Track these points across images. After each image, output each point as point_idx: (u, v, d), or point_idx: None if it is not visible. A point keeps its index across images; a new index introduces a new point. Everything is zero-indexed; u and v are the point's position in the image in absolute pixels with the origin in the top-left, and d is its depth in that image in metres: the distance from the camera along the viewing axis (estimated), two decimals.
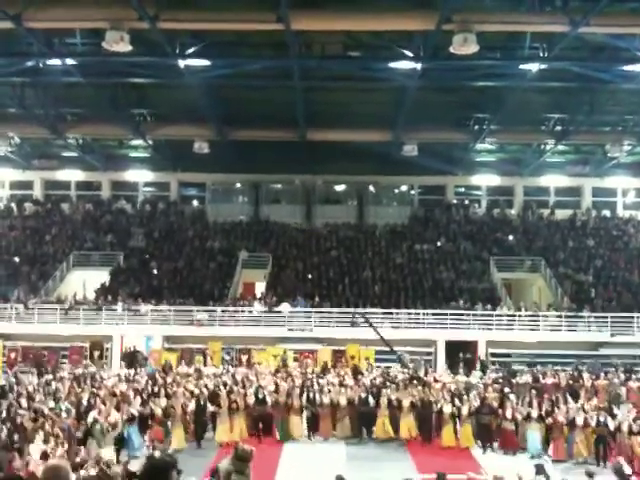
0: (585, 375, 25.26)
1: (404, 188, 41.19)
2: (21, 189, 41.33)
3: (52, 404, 18.89)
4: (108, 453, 15.08)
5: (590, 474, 13.73)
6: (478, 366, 27.03)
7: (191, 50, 23.89)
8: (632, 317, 30.36)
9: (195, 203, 41.89)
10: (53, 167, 40.12)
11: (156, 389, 21.24)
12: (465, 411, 20.03)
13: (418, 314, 30.66)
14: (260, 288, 34.94)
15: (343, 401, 20.88)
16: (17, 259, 35.53)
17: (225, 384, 21.88)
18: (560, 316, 30.94)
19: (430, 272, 34.97)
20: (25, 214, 39.73)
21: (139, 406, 19.22)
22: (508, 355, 29.65)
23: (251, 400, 20.46)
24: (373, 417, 20.94)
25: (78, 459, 12.53)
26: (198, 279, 34.32)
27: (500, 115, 29.77)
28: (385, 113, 30.55)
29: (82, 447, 15.67)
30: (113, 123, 31.94)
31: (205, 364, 27.18)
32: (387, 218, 39.27)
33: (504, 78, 26.47)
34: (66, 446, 15.05)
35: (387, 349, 27.76)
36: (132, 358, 29.10)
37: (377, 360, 28.28)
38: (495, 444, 20.05)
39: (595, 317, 30.65)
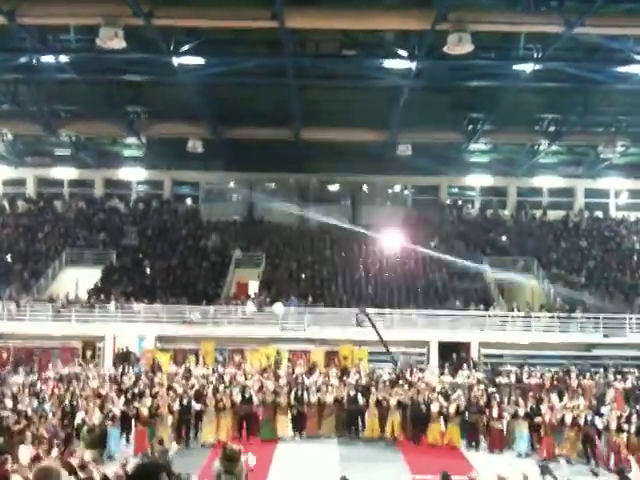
0: (572, 375, 25.35)
1: (398, 188, 41.17)
2: (14, 186, 41.10)
3: (36, 404, 18.72)
4: (93, 454, 14.96)
5: (595, 473, 13.81)
6: (465, 366, 27.03)
7: (185, 47, 23.84)
8: (624, 318, 30.45)
9: (189, 202, 41.77)
10: (46, 164, 39.94)
11: (141, 389, 21.13)
12: (452, 410, 20.13)
13: (411, 314, 30.64)
14: (253, 287, 34.87)
15: (330, 400, 20.97)
16: (9, 257, 35.31)
17: (211, 383, 21.86)
18: (553, 317, 30.99)
19: (423, 272, 34.94)
20: (17, 212, 39.51)
21: (122, 406, 19.09)
22: (501, 356, 29.66)
23: (237, 399, 20.43)
24: (362, 416, 21.14)
25: (76, 460, 12.41)
26: (191, 278, 34.20)
27: (494, 115, 29.82)
28: (379, 112, 30.53)
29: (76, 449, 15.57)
30: (107, 120, 31.81)
31: (197, 364, 27.10)
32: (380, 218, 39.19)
33: (498, 78, 26.50)
34: (61, 448, 14.92)
35: (381, 350, 27.79)
36: (125, 358, 29.00)
37: (370, 361, 28.28)
38: (483, 443, 20.20)
39: (587, 318, 30.73)
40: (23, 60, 25.88)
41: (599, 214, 40.45)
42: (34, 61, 26.14)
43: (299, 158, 35.74)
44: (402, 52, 23.80)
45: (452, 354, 29.07)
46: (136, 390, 21.10)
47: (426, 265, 35.33)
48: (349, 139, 33.08)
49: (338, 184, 40.67)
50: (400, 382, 22.55)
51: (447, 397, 20.80)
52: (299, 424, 21.07)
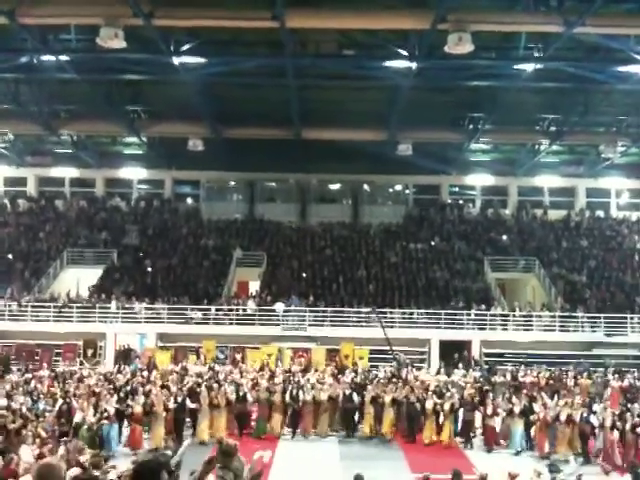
0: (570, 374, 25.40)
1: (399, 187, 41.18)
2: (15, 186, 41.16)
3: (30, 403, 18.64)
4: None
5: (607, 472, 13.90)
6: (460, 365, 27.14)
7: (186, 47, 23.84)
8: (625, 317, 30.47)
9: (189, 201, 41.81)
10: (47, 164, 39.97)
11: (134, 387, 21.10)
12: (446, 408, 20.27)
13: (412, 313, 30.69)
14: (254, 287, 34.91)
15: (324, 398, 21.07)
16: (10, 256, 35.37)
17: (205, 381, 21.87)
18: (554, 316, 31.01)
19: (424, 272, 34.99)
20: (19, 211, 39.57)
21: (116, 404, 19.02)
22: (502, 355, 29.69)
23: (232, 397, 20.47)
24: (357, 414, 21.29)
25: (83, 457, 12.39)
26: (192, 277, 34.25)
27: (495, 115, 29.82)
28: (380, 112, 30.55)
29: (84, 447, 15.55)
30: (107, 120, 31.85)
31: (197, 362, 27.15)
32: (382, 217, 39.25)
33: (499, 78, 26.51)
34: (68, 447, 14.89)
35: (382, 349, 27.89)
36: (126, 356, 29.07)
37: (371, 359, 28.35)
38: (478, 440, 20.33)
39: (589, 317, 30.75)
40: (24, 60, 25.91)
41: (600, 214, 40.44)
42: (35, 61, 26.19)
43: (300, 157, 35.74)
44: (402, 52, 23.79)
45: (453, 353, 29.13)
46: (128, 388, 21.08)
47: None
48: (350, 139, 33.09)
49: (339, 184, 40.68)
50: (394, 380, 22.69)
51: (441, 395, 20.96)
52: (294, 422, 21.17)
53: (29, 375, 23.78)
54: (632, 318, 30.59)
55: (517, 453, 19.36)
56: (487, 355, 29.83)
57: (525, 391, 22.11)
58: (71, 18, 22.65)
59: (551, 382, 24.69)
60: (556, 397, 22.12)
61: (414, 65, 24.38)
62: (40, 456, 12.93)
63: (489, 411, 20.12)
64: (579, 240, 37.94)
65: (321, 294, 32.69)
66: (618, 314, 30.62)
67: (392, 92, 28.21)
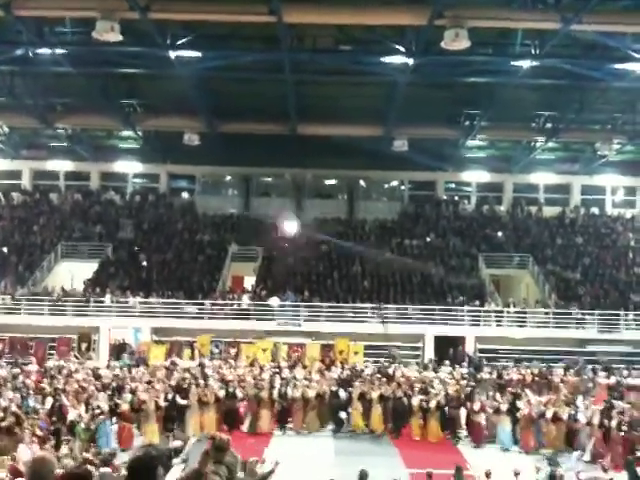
0: (559, 371, 25.52)
1: (394, 183, 41.19)
2: (9, 179, 40.95)
3: (19, 400, 18.38)
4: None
5: (605, 469, 14.03)
6: (447, 362, 27.27)
7: (182, 41, 23.74)
8: (619, 315, 30.59)
9: (185, 195, 41.73)
10: (42, 157, 39.82)
11: (120, 384, 21.02)
12: (433, 404, 20.32)
13: (407, 309, 30.73)
14: (249, 282, 34.88)
15: (312, 394, 21.17)
16: (4, 249, 35.26)
17: (193, 377, 21.88)
18: (548, 313, 31.10)
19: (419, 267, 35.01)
20: (13, 204, 39.43)
21: (104, 401, 18.91)
22: (495, 351, 29.79)
23: (220, 394, 20.45)
24: (344, 410, 21.43)
25: (90, 455, 12.35)
26: (187, 272, 34.21)
27: (491, 112, 29.80)
28: (376, 108, 30.52)
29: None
30: (103, 114, 31.72)
31: (192, 357, 27.12)
32: (377, 213, 39.25)
33: (495, 74, 26.50)
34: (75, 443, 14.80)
35: (377, 344, 27.98)
36: (120, 351, 29.05)
37: (366, 355, 28.41)
38: (465, 436, 20.57)
39: (582, 314, 30.86)
40: (19, 52, 25.72)
41: (595, 211, 40.54)
42: (30, 54, 25.98)
43: (295, 153, 35.67)
44: (399, 47, 23.76)
45: (448, 349, 29.21)
46: (115, 385, 20.99)
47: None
48: (346, 134, 33.05)
49: (334, 179, 40.67)
50: (378, 376, 22.83)
51: (426, 392, 21.05)
52: (283, 419, 21.24)
53: (17, 370, 23.42)
54: (626, 315, 30.70)
55: (504, 450, 19.52)
56: (481, 351, 29.92)
57: (510, 388, 22.20)
58: (67, 11, 22.50)
59: (537, 379, 24.83)
60: (543, 394, 22.25)
61: (411, 61, 24.35)
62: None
63: (476, 408, 20.24)
64: (574, 237, 38.02)
65: (316, 289, 32.70)
66: (612, 311, 30.74)
67: (389, 88, 28.18)
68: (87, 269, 34.00)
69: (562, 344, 29.73)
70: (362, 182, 40.40)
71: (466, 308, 30.88)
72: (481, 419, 20.26)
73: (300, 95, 29.20)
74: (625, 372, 25.85)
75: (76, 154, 38.72)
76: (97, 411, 17.78)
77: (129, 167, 40.92)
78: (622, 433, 17.90)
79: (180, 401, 20.00)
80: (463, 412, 20.94)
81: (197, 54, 25.05)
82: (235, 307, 31.09)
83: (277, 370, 23.86)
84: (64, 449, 13.75)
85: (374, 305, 29.88)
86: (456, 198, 41.28)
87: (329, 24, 23.39)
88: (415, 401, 20.63)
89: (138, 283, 32.84)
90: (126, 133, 36.38)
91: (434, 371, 25.42)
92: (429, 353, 29.66)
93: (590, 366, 26.88)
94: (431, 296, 32.26)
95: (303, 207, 39.81)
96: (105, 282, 32.67)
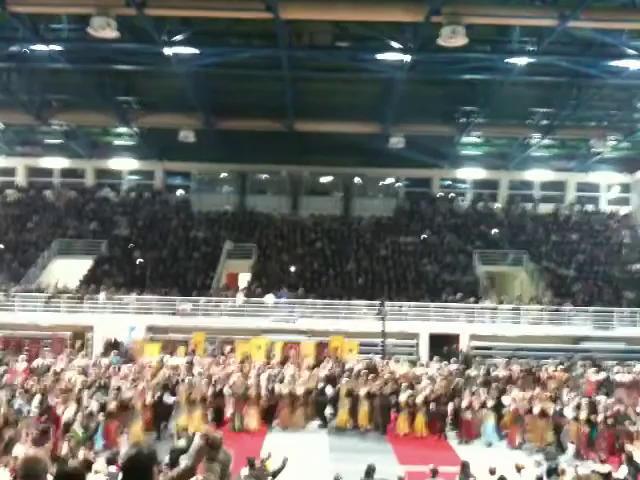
0: (550, 368, 25.64)
1: (390, 180, 41.22)
2: (4, 175, 40.85)
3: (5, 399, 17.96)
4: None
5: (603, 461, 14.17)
6: (435, 358, 27.39)
7: (179, 38, 23.66)
8: (613, 311, 30.70)
9: (180, 192, 41.65)
10: (37, 154, 39.71)
11: (103, 382, 20.81)
12: (420, 400, 20.46)
13: (402, 306, 30.75)
14: (244, 279, 34.85)
15: (301, 391, 21.21)
16: None
17: (178, 375, 21.79)
18: (542, 310, 31.19)
19: (414, 265, 35.08)
20: (7, 201, 39.30)
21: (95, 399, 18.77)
22: (490, 348, 29.85)
23: (208, 392, 20.44)
24: (331, 406, 21.53)
25: (92, 454, 12.30)
26: (182, 269, 34.16)
27: (487, 108, 29.85)
28: (373, 105, 30.51)
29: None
30: (99, 110, 31.60)
31: (186, 354, 27.01)
32: (373, 210, 39.28)
33: (492, 71, 26.54)
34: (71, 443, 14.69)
35: (371, 341, 28.03)
36: (114, 348, 28.96)
37: (361, 352, 28.41)
38: (453, 432, 20.63)
39: (577, 311, 30.97)
40: (14, 49, 25.65)
41: (590, 208, 40.69)
42: (25, 50, 25.89)
43: (292, 150, 35.68)
44: (396, 44, 23.74)
45: (443, 346, 29.26)
46: (99, 383, 20.81)
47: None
48: (342, 131, 33.04)
49: (331, 176, 40.66)
50: (365, 371, 22.95)
51: (412, 388, 21.20)
52: (270, 416, 21.26)
53: (3, 368, 23.05)
54: (620, 312, 30.82)
55: (489, 445, 19.70)
56: (476, 348, 29.98)
57: (495, 384, 22.33)
58: (62, 7, 22.39)
59: (523, 375, 24.95)
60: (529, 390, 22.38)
61: (408, 58, 24.37)
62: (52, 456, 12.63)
63: (464, 404, 20.38)
64: (568, 234, 38.15)
65: (311, 287, 32.70)
66: (606, 308, 30.85)
67: (385, 85, 28.18)
68: (82, 266, 33.90)
69: (556, 341, 29.83)
70: (358, 179, 40.42)
71: (461, 305, 30.92)
72: (469, 415, 20.41)
73: (297, 92, 29.18)
74: (616, 368, 25.97)
75: (71, 151, 38.61)
76: (87, 411, 17.62)
77: (124, 164, 40.84)
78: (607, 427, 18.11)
79: (167, 399, 19.93)
80: (450, 408, 21.06)
81: (193, 51, 24.99)
82: (230, 304, 31.05)
83: (266, 367, 23.85)
84: (65, 448, 13.64)
85: (377, 302, 29.85)
86: (451, 195, 41.36)
87: (326, 20, 23.38)
88: (403, 397, 20.75)
89: (133, 280, 32.76)
90: (121, 130, 36.27)
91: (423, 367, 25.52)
92: (424, 350, 29.70)
93: (580, 362, 27.01)
94: (426, 293, 32.30)
95: (299, 204, 39.81)
96: (100, 279, 32.58)
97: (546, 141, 34.78)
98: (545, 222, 39.19)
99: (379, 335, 28.25)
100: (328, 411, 21.74)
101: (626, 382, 24.29)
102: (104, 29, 20.93)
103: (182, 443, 10.48)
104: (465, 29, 20.88)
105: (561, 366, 25.97)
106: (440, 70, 26.64)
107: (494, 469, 13.54)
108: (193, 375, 21.79)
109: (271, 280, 33.07)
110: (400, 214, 39.58)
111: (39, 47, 25.29)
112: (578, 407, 19.22)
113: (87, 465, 10.92)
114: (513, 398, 20.35)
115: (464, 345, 29.97)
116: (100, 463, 11.87)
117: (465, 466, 13.71)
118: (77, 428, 16.30)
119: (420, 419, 20.52)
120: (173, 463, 10.06)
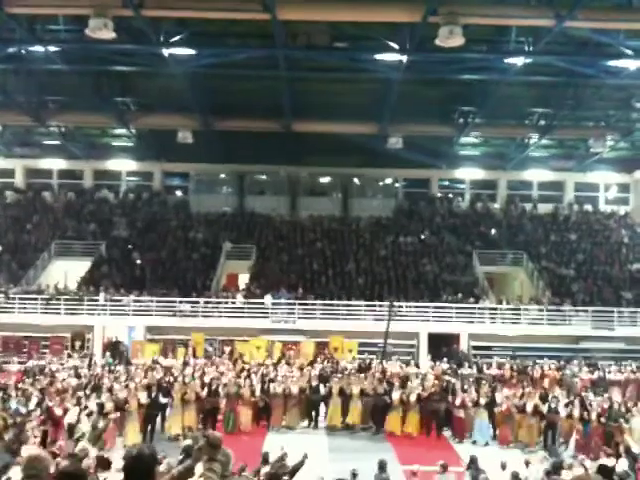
0: (545, 367, 25.72)
1: (389, 181, 41.23)
2: (2, 177, 40.82)
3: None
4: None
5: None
6: (428, 357, 27.41)
7: (176, 39, 23.66)
8: (612, 311, 30.70)
9: (179, 193, 41.65)
10: (35, 155, 39.67)
11: (95, 383, 20.83)
12: (413, 398, 20.51)
13: (401, 307, 30.75)
14: (244, 279, 34.85)
15: (295, 390, 21.25)
16: None
17: (171, 375, 21.82)
18: (541, 310, 31.18)
19: (414, 265, 35.07)
20: (6, 202, 39.28)
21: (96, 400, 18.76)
22: (489, 348, 29.86)
23: (202, 392, 20.41)
24: (324, 405, 21.59)
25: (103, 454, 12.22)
26: (181, 270, 34.15)
27: (485, 109, 29.84)
28: (371, 105, 30.48)
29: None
30: (96, 111, 31.57)
31: (186, 355, 27.04)
32: (371, 210, 39.29)
33: (489, 72, 26.53)
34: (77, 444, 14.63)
35: (371, 341, 28.02)
36: (114, 349, 28.99)
37: (360, 352, 28.44)
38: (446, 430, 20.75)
39: (576, 311, 30.97)
40: (12, 50, 25.65)
41: (588, 208, 40.67)
42: (23, 51, 25.93)
43: (290, 150, 35.67)
44: (393, 45, 23.74)
45: (442, 346, 29.27)
46: (92, 384, 20.79)
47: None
48: (340, 132, 33.04)
49: (329, 176, 40.66)
50: (353, 371, 23.01)
51: (404, 386, 21.27)
52: (266, 415, 21.29)
53: None
54: (620, 312, 30.82)
55: (486, 444, 19.74)
56: (475, 348, 29.99)
57: (484, 382, 22.40)
58: (60, 8, 22.35)
59: (516, 374, 25.00)
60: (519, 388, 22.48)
61: (405, 58, 24.35)
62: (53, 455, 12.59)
63: (457, 402, 20.45)
64: (567, 234, 38.15)
65: (310, 287, 32.70)
66: (605, 308, 30.85)
67: (383, 85, 28.16)
68: (81, 267, 33.90)
69: (556, 341, 29.83)
70: (356, 179, 40.42)
71: (460, 305, 30.92)
72: (462, 414, 20.47)
73: (294, 92, 29.16)
74: (613, 367, 26.02)
75: (69, 152, 38.60)
76: (87, 411, 17.57)
77: (123, 165, 40.83)
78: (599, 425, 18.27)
79: (162, 400, 19.92)
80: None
81: (191, 51, 24.99)
82: (229, 305, 31.04)
83: (260, 367, 23.86)
84: (71, 448, 13.57)
85: (387, 303, 29.84)
86: (450, 195, 41.36)
87: (323, 21, 23.37)
88: (395, 395, 20.78)
89: (132, 281, 32.75)
90: (120, 131, 36.25)
91: (416, 366, 25.61)
92: (423, 350, 29.70)
93: (575, 361, 27.05)
94: (425, 293, 32.30)
95: (298, 205, 39.81)
96: (99, 280, 32.58)
97: (544, 141, 34.78)
98: (544, 222, 39.18)
99: (379, 335, 28.24)
100: (322, 410, 21.77)
101: (620, 380, 24.45)
102: (101, 30, 20.88)
103: (188, 442, 10.47)
104: (462, 29, 20.88)
105: (554, 365, 26.10)
106: (437, 70, 26.62)
107: (505, 463, 13.63)
108: (187, 375, 21.79)
109: (270, 280, 33.07)
110: (399, 214, 39.58)
111: (36, 48, 25.30)
112: (571, 405, 19.37)
113: (106, 464, 10.86)
114: (505, 396, 20.46)
115: (464, 345, 29.98)
116: (119, 461, 11.82)
117: (473, 461, 13.79)
118: (84, 428, 16.27)
119: (413, 417, 20.59)
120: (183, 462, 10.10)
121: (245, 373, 22.49)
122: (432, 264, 35.10)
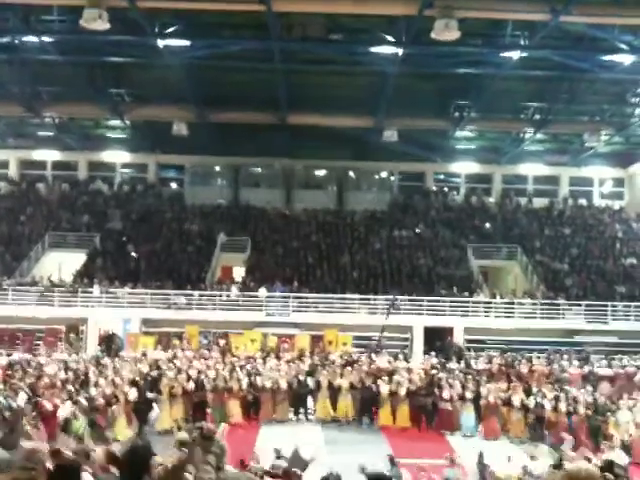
0: (534, 361, 25.77)
1: (384, 174, 41.19)
2: None
3: None
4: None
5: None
6: (418, 351, 27.51)
7: (171, 30, 23.59)
8: (606, 305, 30.81)
9: (174, 185, 41.54)
10: (29, 146, 39.52)
11: (83, 378, 20.73)
12: (402, 392, 20.65)
13: (396, 299, 30.76)
14: (238, 272, 34.81)
15: (283, 384, 21.32)
16: None
17: (159, 369, 21.75)
18: (535, 304, 31.27)
19: (408, 258, 35.11)
20: (0, 194, 39.14)
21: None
22: (483, 342, 29.94)
23: (189, 386, 20.39)
24: (312, 398, 21.73)
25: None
26: (176, 262, 34.10)
27: (480, 103, 29.85)
28: (366, 98, 30.45)
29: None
30: (91, 103, 31.44)
31: (174, 348, 26.94)
32: (366, 204, 39.24)
33: (485, 65, 26.53)
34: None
35: (365, 335, 28.08)
36: (109, 341, 28.95)
37: (355, 345, 28.47)
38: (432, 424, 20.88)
39: (570, 305, 31.07)
40: (5, 40, 25.48)
41: (583, 202, 40.77)
42: (17, 42, 25.78)
43: (285, 143, 35.62)
44: (389, 37, 23.72)
45: (436, 339, 29.34)
46: (80, 379, 20.69)
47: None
48: (336, 124, 32.99)
49: (324, 169, 40.62)
50: (340, 364, 23.07)
51: (391, 380, 21.33)
52: (255, 409, 21.37)
53: None
54: (613, 306, 30.93)
55: (471, 436, 19.98)
56: (469, 342, 30.06)
57: (469, 376, 22.50)
58: None
59: (503, 368, 25.09)
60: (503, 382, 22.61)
61: (400, 51, 24.34)
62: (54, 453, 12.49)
63: (445, 396, 20.52)
64: (562, 228, 38.23)
65: (305, 280, 32.71)
66: (599, 302, 30.96)
67: (379, 78, 28.13)
68: (75, 259, 33.81)
69: (550, 335, 29.93)
70: (351, 173, 40.38)
71: (455, 299, 30.98)
72: (449, 407, 20.58)
73: (290, 85, 29.09)
74: (603, 362, 26.11)
75: (64, 143, 38.44)
76: (78, 407, 17.47)
77: (117, 157, 40.69)
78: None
79: (149, 394, 19.88)
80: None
81: (186, 43, 24.93)
82: (224, 298, 31.03)
83: (248, 360, 23.84)
84: (67, 442, 13.52)
85: (389, 297, 29.86)
86: (445, 189, 41.39)
87: (319, 13, 23.30)
88: (384, 389, 20.83)
89: (126, 273, 32.69)
90: (114, 122, 36.09)
91: (405, 361, 25.58)
92: (418, 344, 29.76)
93: (565, 355, 27.16)
94: (420, 287, 32.34)
95: (293, 197, 39.77)
96: (93, 272, 32.52)
97: (539, 135, 34.80)
98: (539, 216, 39.23)
99: (374, 329, 28.27)
100: (310, 403, 21.87)
101: (609, 375, 24.59)
102: (96, 21, 20.80)
103: (183, 435, 10.46)
104: (458, 23, 20.86)
105: (541, 359, 26.20)
106: (433, 64, 26.58)
107: (510, 457, 13.77)
108: (174, 369, 21.72)
109: (265, 273, 33.06)
110: (394, 208, 39.59)
111: (30, 38, 25.20)
112: (557, 399, 19.48)
113: (112, 458, 10.83)
114: (490, 389, 20.61)
115: (458, 338, 30.04)
116: None
117: (481, 455, 13.97)
118: (79, 422, 16.19)
119: (403, 411, 20.68)
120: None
121: (229, 366, 22.39)
122: (427, 258, 35.14)
